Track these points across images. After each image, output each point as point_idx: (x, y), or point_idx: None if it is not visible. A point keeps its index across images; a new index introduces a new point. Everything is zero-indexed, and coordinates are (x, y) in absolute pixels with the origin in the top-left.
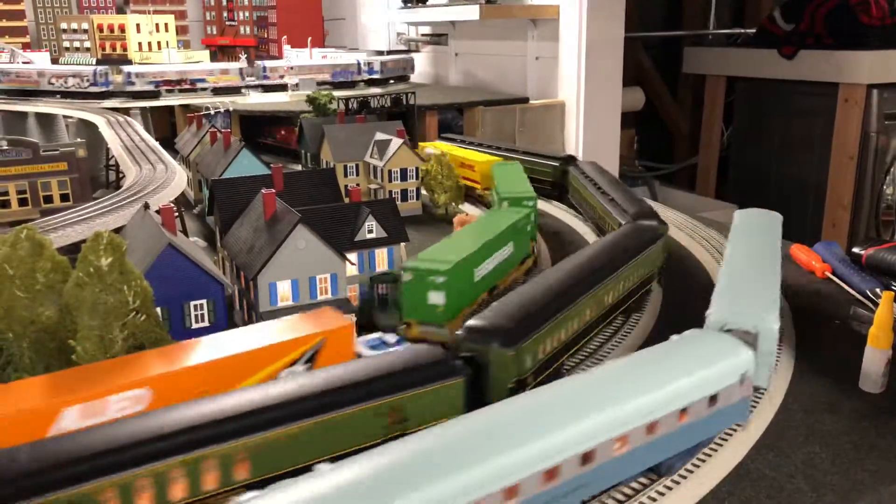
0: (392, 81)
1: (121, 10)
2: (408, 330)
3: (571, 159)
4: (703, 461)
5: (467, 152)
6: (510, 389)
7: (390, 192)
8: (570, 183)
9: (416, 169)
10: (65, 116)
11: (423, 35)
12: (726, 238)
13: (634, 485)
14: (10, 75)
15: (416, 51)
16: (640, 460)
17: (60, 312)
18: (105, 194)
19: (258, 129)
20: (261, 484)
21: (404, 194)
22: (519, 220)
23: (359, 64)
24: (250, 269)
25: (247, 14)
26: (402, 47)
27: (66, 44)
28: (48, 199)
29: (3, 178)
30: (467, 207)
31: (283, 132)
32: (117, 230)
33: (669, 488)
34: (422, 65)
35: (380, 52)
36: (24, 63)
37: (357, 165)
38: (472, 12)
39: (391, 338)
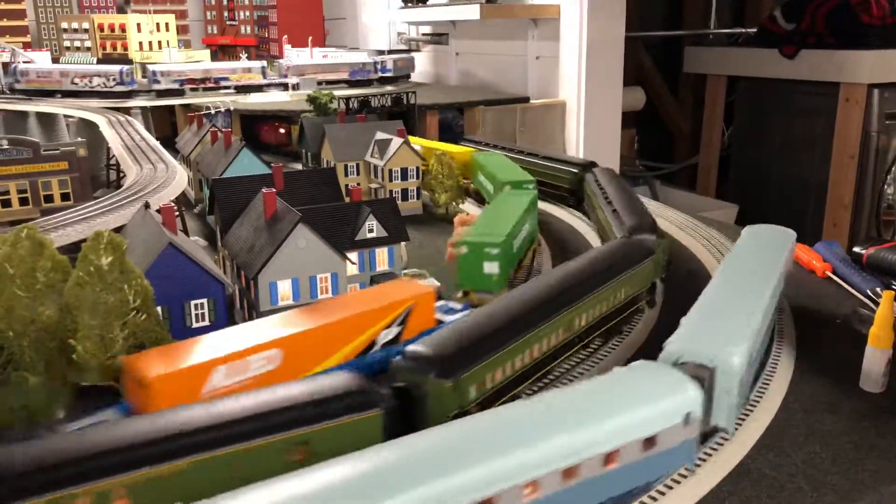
0: (398, 80)
1: (121, 10)
2: (465, 298)
3: (591, 165)
4: (704, 461)
5: (444, 145)
6: None
7: (391, 191)
8: (585, 190)
9: (417, 168)
10: (65, 116)
11: (423, 34)
12: (726, 237)
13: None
14: (29, 75)
15: (417, 50)
16: None
17: (61, 312)
18: (106, 194)
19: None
20: None
21: (405, 194)
22: (531, 200)
23: (375, 63)
24: (251, 268)
25: (247, 14)
26: (403, 47)
27: (67, 43)
28: (49, 199)
29: (4, 177)
30: (468, 207)
31: (265, 128)
32: (118, 229)
33: (670, 488)
34: (422, 64)
35: (381, 52)
36: (25, 62)
37: (357, 165)
38: (472, 12)
39: (456, 304)
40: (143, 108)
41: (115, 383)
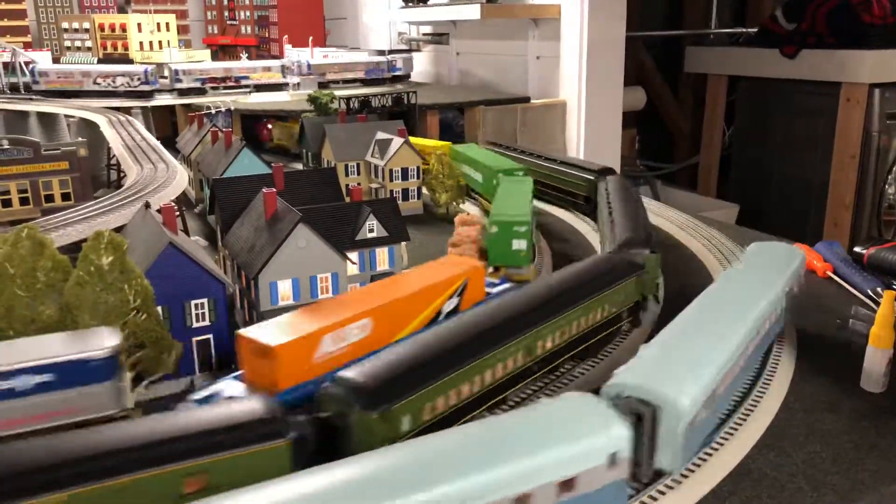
0: (404, 79)
1: (122, 10)
2: (496, 273)
3: (607, 172)
4: (705, 460)
5: (427, 141)
6: None
7: (391, 191)
8: (597, 199)
9: (418, 168)
10: (66, 116)
11: (424, 34)
12: (727, 237)
13: (634, 484)
14: (48, 76)
15: (418, 50)
16: None
17: (61, 311)
18: (106, 193)
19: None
20: None
21: (405, 193)
22: (532, 187)
23: (388, 62)
24: (251, 268)
25: (248, 13)
26: (404, 46)
27: (68, 43)
28: (49, 199)
29: (5, 177)
30: (468, 207)
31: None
32: (118, 229)
33: (671, 487)
34: (423, 64)
35: (381, 52)
36: (26, 62)
37: (358, 165)
38: (473, 12)
39: (494, 279)
40: (144, 108)
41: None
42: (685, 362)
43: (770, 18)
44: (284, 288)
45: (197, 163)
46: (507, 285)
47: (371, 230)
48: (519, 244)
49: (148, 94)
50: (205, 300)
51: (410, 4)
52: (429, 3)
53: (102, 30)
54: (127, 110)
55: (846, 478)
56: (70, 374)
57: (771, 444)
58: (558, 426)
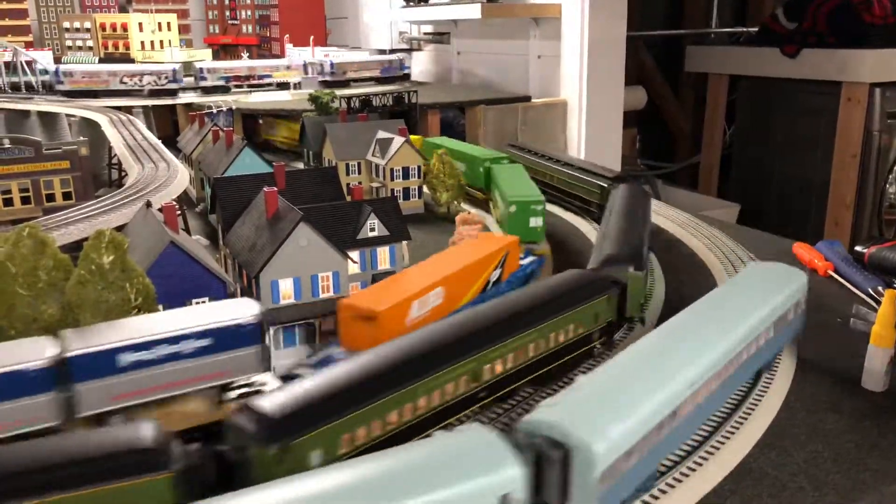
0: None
1: (123, 9)
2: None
3: (620, 179)
4: (706, 459)
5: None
6: None
7: (392, 190)
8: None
9: (418, 167)
10: (67, 115)
11: (425, 34)
12: (728, 237)
13: None
14: (73, 76)
15: (419, 49)
16: None
17: (63, 310)
18: (107, 193)
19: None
20: None
21: (406, 192)
22: (523, 169)
23: (400, 60)
24: (252, 267)
25: (249, 13)
26: (405, 46)
27: (69, 42)
28: (50, 198)
29: (6, 176)
30: (468, 206)
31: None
32: (119, 228)
33: (672, 486)
34: (424, 63)
35: (382, 51)
36: (27, 61)
37: (359, 164)
38: (474, 11)
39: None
40: (145, 107)
41: None
42: (617, 401)
43: (771, 18)
44: (286, 287)
45: (198, 162)
46: (532, 258)
47: (372, 229)
48: (535, 221)
49: (174, 93)
50: (206, 299)
51: (411, 4)
52: (430, 2)
53: (104, 29)
54: (128, 109)
55: (847, 477)
56: (225, 338)
57: (772, 443)
58: (449, 463)
